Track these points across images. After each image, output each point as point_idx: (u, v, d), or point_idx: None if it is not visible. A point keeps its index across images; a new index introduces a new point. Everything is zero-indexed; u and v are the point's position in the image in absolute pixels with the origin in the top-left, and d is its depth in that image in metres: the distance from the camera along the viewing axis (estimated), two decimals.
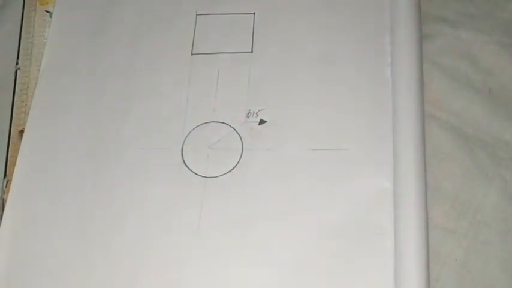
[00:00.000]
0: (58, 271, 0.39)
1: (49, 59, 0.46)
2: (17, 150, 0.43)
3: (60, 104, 0.44)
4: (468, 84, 0.43)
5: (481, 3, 0.45)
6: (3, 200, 0.42)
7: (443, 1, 0.45)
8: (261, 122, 0.41)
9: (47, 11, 0.48)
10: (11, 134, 0.44)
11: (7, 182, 0.42)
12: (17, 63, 0.46)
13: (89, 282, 0.39)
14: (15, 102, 0.45)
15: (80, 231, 0.40)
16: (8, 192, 0.42)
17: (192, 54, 0.44)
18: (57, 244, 0.40)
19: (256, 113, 0.41)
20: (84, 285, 0.39)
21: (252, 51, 0.43)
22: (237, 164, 0.40)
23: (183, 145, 0.41)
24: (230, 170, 0.40)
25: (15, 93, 0.46)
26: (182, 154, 0.41)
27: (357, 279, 0.36)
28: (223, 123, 0.41)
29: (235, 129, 0.41)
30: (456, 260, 0.39)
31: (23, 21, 0.48)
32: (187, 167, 0.40)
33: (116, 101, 0.43)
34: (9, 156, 0.44)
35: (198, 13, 0.45)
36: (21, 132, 0.44)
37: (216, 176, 0.40)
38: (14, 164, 0.42)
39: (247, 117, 0.41)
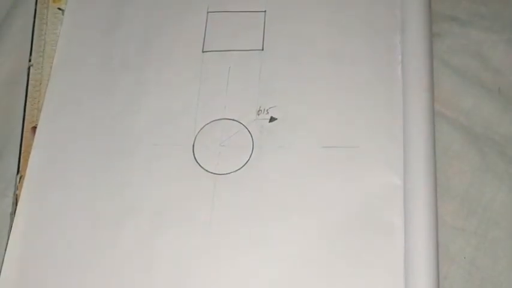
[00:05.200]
0: (70, 265, 0.39)
1: (61, 56, 0.46)
2: (29, 146, 0.43)
3: (73, 101, 0.44)
4: (478, 83, 0.43)
5: (491, 2, 0.44)
6: (16, 195, 0.42)
7: (454, 0, 0.45)
8: (272, 119, 0.41)
9: (59, 9, 0.48)
10: (24, 130, 0.44)
11: (20, 177, 0.43)
12: (29, 60, 0.46)
13: (100, 275, 0.39)
14: (28, 99, 0.45)
15: (92, 226, 0.40)
16: (21, 187, 0.42)
17: (203, 52, 0.44)
18: (69, 239, 0.40)
19: (267, 111, 0.41)
20: (96, 277, 0.39)
21: (262, 49, 0.43)
22: (247, 162, 0.40)
23: (194, 142, 0.41)
24: (241, 168, 0.40)
25: (28, 90, 0.46)
26: (193, 151, 0.41)
27: (367, 276, 0.37)
28: (234, 120, 0.41)
29: (245, 127, 0.41)
30: (465, 257, 0.39)
31: (36, 18, 0.48)
32: (198, 164, 0.41)
33: (128, 97, 0.43)
34: (22, 152, 0.44)
35: (209, 10, 0.45)
36: (34, 128, 0.44)
37: (227, 173, 0.40)
38: (27, 159, 0.43)
39: (258, 114, 0.41)
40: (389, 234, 0.37)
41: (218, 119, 0.42)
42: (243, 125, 0.41)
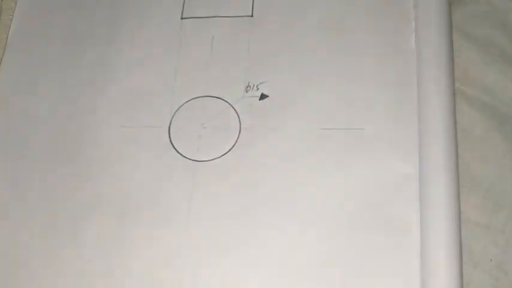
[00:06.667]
0: (23, 268, 0.36)
1: (18, 26, 0.42)
2: None
3: (30, 77, 0.40)
4: (502, 57, 0.39)
5: None
6: None
7: None
8: (262, 96, 0.37)
9: None
10: None
11: None
12: None
13: (65, 278, 0.35)
14: None
15: (48, 223, 0.37)
16: None
17: (182, 18, 0.40)
18: (23, 238, 0.36)
19: (257, 87, 0.37)
20: (54, 281, 0.35)
21: (252, 15, 0.39)
22: (233, 146, 0.36)
23: (170, 123, 0.37)
24: (225, 153, 0.36)
25: None
26: (169, 134, 0.37)
27: (378, 279, 0.33)
28: (217, 98, 0.38)
29: (231, 105, 0.37)
30: (491, 260, 0.35)
31: None
32: (175, 149, 0.37)
33: (93, 72, 0.40)
34: None
35: None
36: None
37: (209, 160, 0.36)
38: None
39: (246, 91, 0.37)
40: (401, 232, 0.33)
41: (199, 97, 0.38)
42: (229, 103, 0.37)
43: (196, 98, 0.38)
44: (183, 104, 0.38)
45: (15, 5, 0.43)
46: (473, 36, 0.39)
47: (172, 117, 0.38)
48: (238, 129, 0.37)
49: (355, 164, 0.35)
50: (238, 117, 0.37)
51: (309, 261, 0.33)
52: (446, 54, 0.36)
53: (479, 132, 0.37)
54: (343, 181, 0.35)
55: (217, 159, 0.36)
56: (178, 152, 0.37)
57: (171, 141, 0.37)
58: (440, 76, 0.36)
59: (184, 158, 0.36)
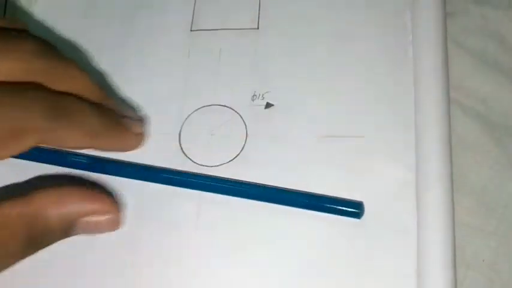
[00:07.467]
0: (37, 267, 0.35)
1: None
2: None
3: None
4: (496, 67, 0.39)
5: None
6: None
7: None
8: (268, 105, 0.38)
9: None
10: None
11: None
12: None
13: (79, 279, 0.35)
14: None
15: None
16: None
17: (191, 31, 0.41)
18: None
19: (262, 96, 0.38)
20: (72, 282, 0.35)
21: (258, 28, 0.40)
22: (240, 152, 0.37)
23: (180, 130, 0.38)
24: (233, 159, 0.37)
25: None
26: (180, 140, 0.38)
27: (375, 281, 0.33)
28: (225, 106, 0.38)
29: (238, 114, 0.38)
30: (483, 260, 0.36)
31: None
32: (185, 155, 0.37)
33: (106, 82, 0.40)
34: None
35: None
36: None
37: (218, 165, 0.37)
38: None
39: (252, 100, 0.38)
40: (400, 236, 0.34)
41: (208, 105, 0.38)
42: (236, 111, 0.38)
43: (205, 106, 0.38)
44: (192, 112, 0.38)
45: (31, 16, 0.43)
46: (468, 47, 0.40)
47: (183, 124, 0.38)
48: (245, 136, 0.37)
49: (356, 170, 0.35)
50: (245, 125, 0.37)
51: (308, 262, 0.34)
52: (442, 65, 0.37)
53: (472, 139, 0.38)
54: (345, 187, 0.35)
55: (225, 165, 0.36)
56: (189, 158, 0.37)
57: (181, 147, 0.37)
58: (436, 86, 0.36)
59: (194, 164, 0.37)
